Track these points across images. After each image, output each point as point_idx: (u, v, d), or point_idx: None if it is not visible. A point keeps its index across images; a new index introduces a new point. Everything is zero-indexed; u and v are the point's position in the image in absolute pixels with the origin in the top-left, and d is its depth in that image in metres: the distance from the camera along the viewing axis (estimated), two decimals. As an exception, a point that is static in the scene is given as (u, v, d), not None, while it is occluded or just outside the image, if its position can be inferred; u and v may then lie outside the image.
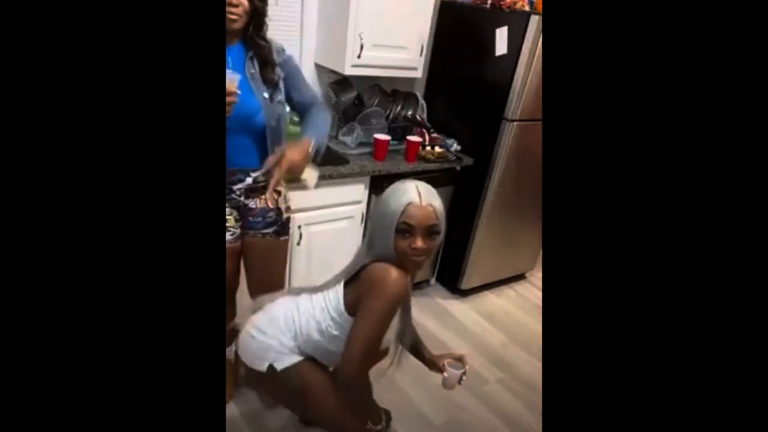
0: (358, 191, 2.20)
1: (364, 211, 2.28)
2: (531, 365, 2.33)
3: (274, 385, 1.30)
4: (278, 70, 1.50)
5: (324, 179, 1.97)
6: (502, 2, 2.35)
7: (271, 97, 1.48)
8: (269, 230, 1.61)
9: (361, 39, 2.14)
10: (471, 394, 2.09)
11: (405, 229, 1.10)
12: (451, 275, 2.78)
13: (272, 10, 2.14)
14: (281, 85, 1.52)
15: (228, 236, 1.55)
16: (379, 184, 2.25)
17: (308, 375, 1.26)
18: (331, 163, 2.07)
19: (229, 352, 1.82)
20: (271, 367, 1.25)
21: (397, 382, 2.03)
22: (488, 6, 2.41)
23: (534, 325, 2.65)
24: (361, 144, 2.33)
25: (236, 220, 1.57)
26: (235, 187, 1.52)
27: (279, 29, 2.21)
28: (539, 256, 3.10)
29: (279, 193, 1.60)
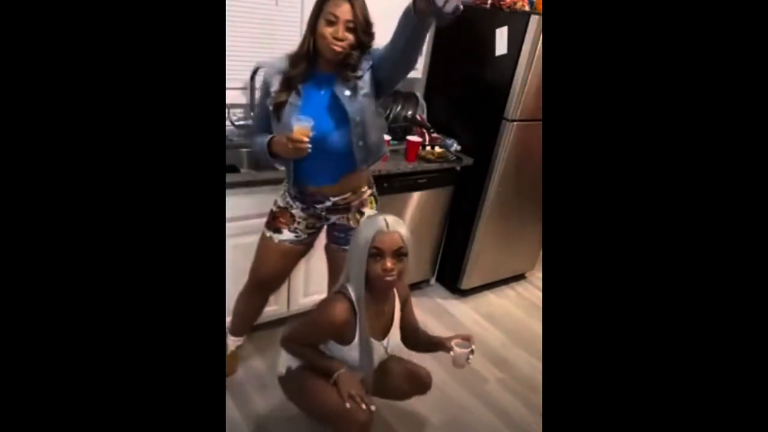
0: (358, 191, 2.20)
1: (364, 211, 2.28)
2: (531, 365, 2.33)
3: (288, 384, 1.53)
4: (361, 72, 1.46)
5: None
6: (502, 2, 2.35)
7: (354, 94, 1.45)
8: (332, 218, 1.71)
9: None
10: (471, 394, 2.09)
11: (375, 252, 1.29)
12: (451, 275, 2.78)
13: (272, 10, 2.15)
14: (366, 76, 1.45)
15: (291, 236, 1.68)
16: (379, 184, 2.25)
17: (308, 372, 1.45)
18: None
19: (238, 341, 1.93)
20: (288, 368, 1.50)
21: (397, 382, 2.03)
22: (488, 6, 2.41)
23: (534, 325, 2.65)
24: (361, 144, 2.33)
25: (308, 227, 1.69)
26: (318, 206, 1.63)
27: (279, 29, 2.21)
28: (539, 256, 3.10)
29: (362, 214, 1.67)
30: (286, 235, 1.67)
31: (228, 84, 2.15)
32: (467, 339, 1.50)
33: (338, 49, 1.37)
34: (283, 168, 1.64)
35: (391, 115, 2.55)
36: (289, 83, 1.45)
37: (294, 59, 1.46)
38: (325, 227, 1.75)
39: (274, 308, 2.19)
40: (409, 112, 2.62)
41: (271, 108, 1.48)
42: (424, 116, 2.68)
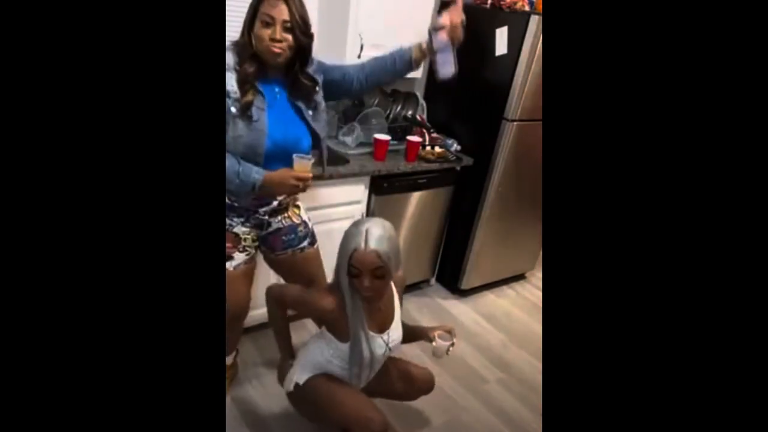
0: (358, 191, 2.20)
1: (364, 211, 2.28)
2: (531, 365, 2.33)
3: (299, 400, 1.53)
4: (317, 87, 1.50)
5: (324, 179, 1.97)
6: (502, 2, 2.35)
7: (316, 112, 1.51)
8: (305, 243, 1.69)
9: (361, 39, 2.14)
10: (471, 394, 2.09)
11: (354, 272, 1.29)
12: (451, 275, 2.78)
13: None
14: (320, 93, 1.51)
15: (243, 256, 1.56)
16: (379, 184, 2.25)
17: (320, 385, 1.47)
18: (331, 163, 2.07)
19: (229, 359, 1.86)
20: (296, 384, 1.49)
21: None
22: (488, 6, 2.41)
23: (534, 325, 2.65)
24: (361, 144, 2.33)
25: (253, 241, 1.59)
26: (261, 210, 1.54)
27: (279, 29, 2.20)
28: (539, 256, 3.10)
29: (299, 207, 1.67)
30: (238, 257, 1.56)
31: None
32: (449, 332, 1.54)
33: (277, 50, 1.34)
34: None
35: (391, 115, 2.55)
36: (246, 80, 1.36)
37: (240, 54, 1.37)
38: (268, 241, 1.64)
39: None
40: (409, 112, 2.62)
41: (235, 109, 1.35)
42: (424, 116, 2.68)
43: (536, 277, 3.16)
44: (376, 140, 2.26)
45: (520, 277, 3.10)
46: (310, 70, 1.49)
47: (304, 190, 1.48)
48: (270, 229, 1.61)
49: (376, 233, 1.28)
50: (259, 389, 1.93)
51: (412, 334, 1.61)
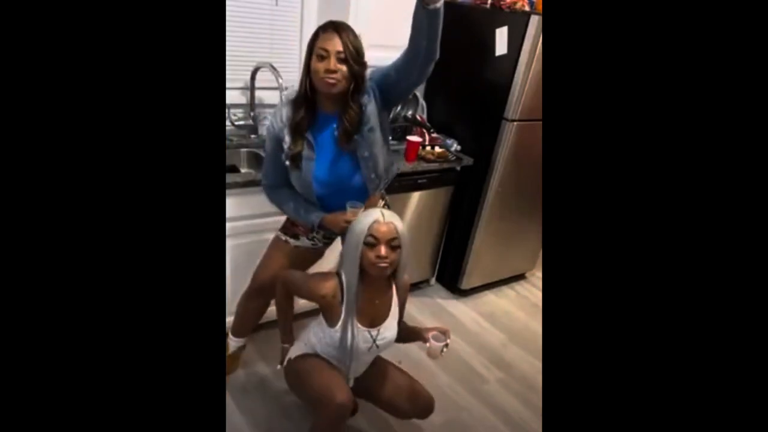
0: (358, 191, 2.20)
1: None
2: (531, 365, 2.33)
3: (288, 374, 1.60)
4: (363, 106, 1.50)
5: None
6: (502, 2, 2.35)
7: (370, 137, 1.52)
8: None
9: (361, 39, 2.14)
10: (471, 394, 2.09)
11: (371, 241, 1.34)
12: (451, 275, 2.78)
13: (272, 10, 2.15)
14: (368, 111, 1.50)
15: (309, 243, 1.73)
16: (379, 184, 2.25)
17: (305, 361, 1.55)
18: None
19: (240, 341, 1.94)
20: (288, 359, 1.59)
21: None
22: (488, 6, 2.41)
23: (534, 324, 2.65)
24: (361, 144, 2.33)
25: (325, 237, 1.74)
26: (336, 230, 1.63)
27: (279, 29, 2.21)
28: (539, 256, 3.10)
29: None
30: (303, 241, 1.71)
31: (228, 84, 2.15)
32: (444, 333, 1.56)
33: (332, 81, 1.38)
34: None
35: (391, 115, 2.55)
36: (297, 131, 1.48)
37: (295, 103, 1.48)
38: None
39: (274, 308, 2.19)
40: (409, 112, 2.62)
41: (287, 161, 1.52)
42: (424, 116, 2.68)
43: (536, 277, 3.16)
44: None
45: (520, 277, 3.09)
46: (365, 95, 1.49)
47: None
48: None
49: (390, 213, 1.38)
50: (259, 389, 1.93)
51: (408, 334, 1.62)
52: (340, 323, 1.43)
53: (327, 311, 1.47)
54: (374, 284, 1.45)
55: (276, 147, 1.55)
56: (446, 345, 1.53)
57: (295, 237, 1.71)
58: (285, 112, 1.50)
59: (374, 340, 1.49)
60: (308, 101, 1.46)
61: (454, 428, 1.92)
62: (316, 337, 1.53)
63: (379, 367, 1.64)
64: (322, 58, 1.38)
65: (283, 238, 1.72)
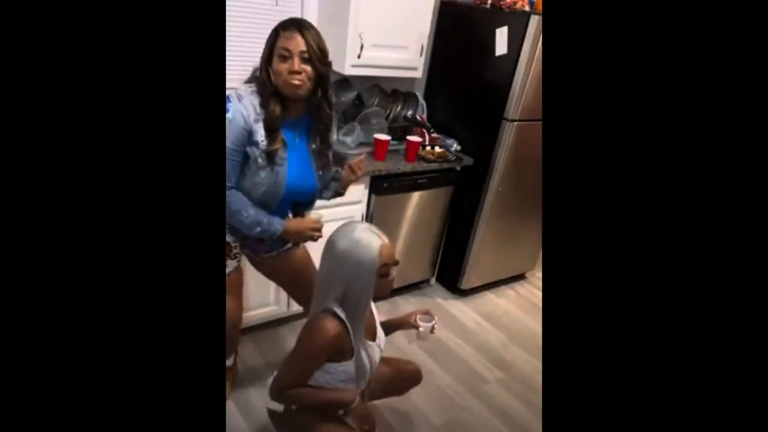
0: (358, 191, 2.20)
1: (364, 211, 2.28)
2: (531, 365, 2.33)
3: (285, 423, 1.47)
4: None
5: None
6: (502, 2, 2.35)
7: (326, 151, 1.53)
8: (289, 244, 1.66)
9: (361, 39, 2.14)
10: (471, 394, 2.09)
11: (385, 271, 1.26)
12: (451, 275, 2.78)
13: (272, 10, 2.15)
14: (334, 125, 1.53)
15: (234, 263, 1.57)
16: (379, 184, 2.25)
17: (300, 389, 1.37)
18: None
19: (229, 361, 1.86)
20: (285, 409, 1.43)
21: (397, 382, 2.03)
22: (488, 6, 2.41)
23: (534, 325, 2.65)
24: (361, 144, 2.33)
25: (241, 247, 1.59)
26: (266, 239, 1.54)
27: (279, 29, 2.20)
28: (539, 256, 3.10)
29: None
30: (230, 264, 1.57)
31: (228, 84, 2.14)
32: (427, 313, 1.56)
33: (297, 82, 1.32)
34: None
35: (391, 115, 2.55)
36: (271, 127, 1.38)
37: (263, 96, 1.37)
38: (249, 245, 1.62)
39: (274, 308, 2.19)
40: (409, 112, 2.62)
41: (262, 160, 1.39)
42: (424, 116, 2.68)
43: (536, 277, 3.16)
44: (376, 140, 2.26)
45: (520, 277, 3.10)
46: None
47: (315, 240, 1.55)
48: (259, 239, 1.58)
49: (377, 229, 1.29)
50: (259, 389, 1.93)
51: (391, 327, 1.60)
52: (355, 352, 1.32)
53: (337, 352, 1.30)
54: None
55: (241, 141, 1.36)
56: (435, 323, 1.53)
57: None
58: (255, 102, 1.37)
59: (379, 346, 1.48)
60: (280, 96, 1.36)
61: (455, 428, 1.92)
62: (323, 379, 1.34)
63: None
64: (284, 58, 1.31)
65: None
